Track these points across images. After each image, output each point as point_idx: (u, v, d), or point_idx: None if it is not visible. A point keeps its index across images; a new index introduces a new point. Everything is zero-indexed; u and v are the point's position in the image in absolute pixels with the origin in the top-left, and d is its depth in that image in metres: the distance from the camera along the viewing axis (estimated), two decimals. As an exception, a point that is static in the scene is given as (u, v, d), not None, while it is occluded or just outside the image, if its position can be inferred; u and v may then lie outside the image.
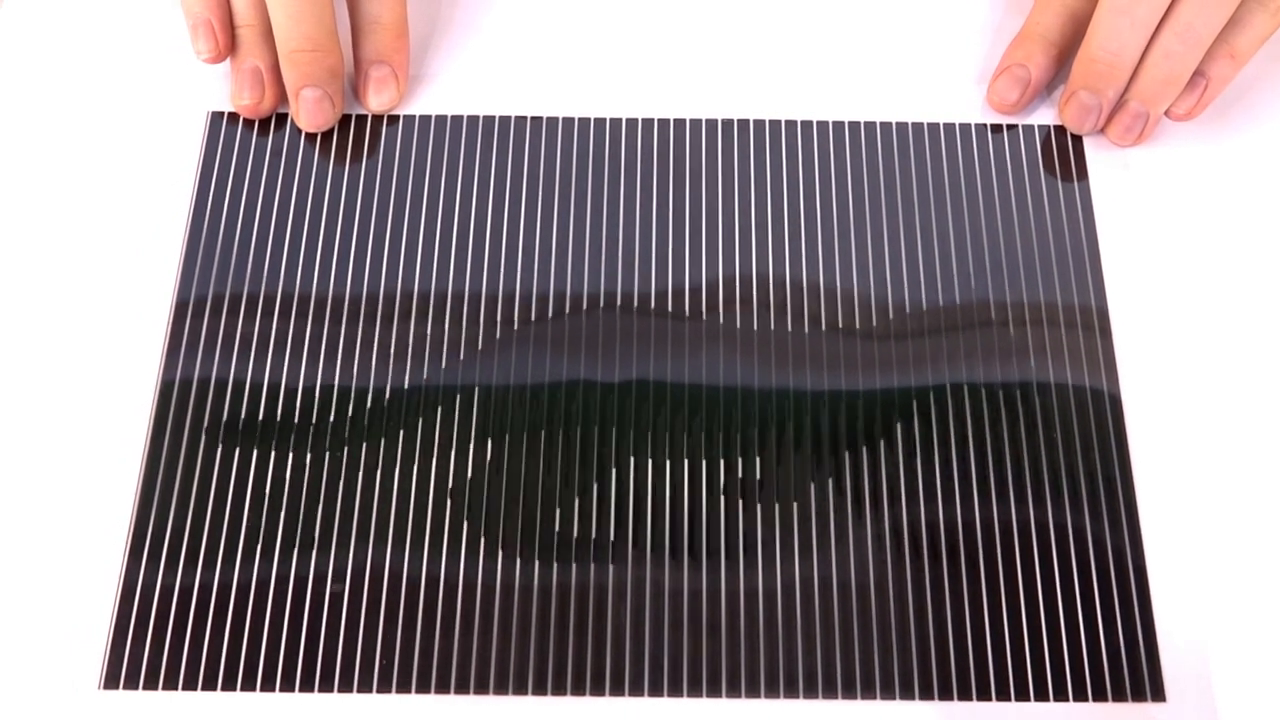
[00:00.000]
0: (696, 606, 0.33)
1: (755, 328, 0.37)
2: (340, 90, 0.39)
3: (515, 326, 0.37)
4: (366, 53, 0.39)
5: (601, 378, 0.36)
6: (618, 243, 0.38)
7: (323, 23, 0.37)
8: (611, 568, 0.33)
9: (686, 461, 0.35)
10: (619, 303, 0.37)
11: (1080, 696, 0.32)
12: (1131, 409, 0.36)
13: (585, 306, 0.37)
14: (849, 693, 0.32)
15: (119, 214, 0.38)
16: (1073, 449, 0.35)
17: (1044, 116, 0.41)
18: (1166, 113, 0.39)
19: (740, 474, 0.35)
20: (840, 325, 0.37)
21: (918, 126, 0.40)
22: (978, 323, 0.37)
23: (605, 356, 0.36)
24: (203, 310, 0.37)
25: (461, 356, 0.36)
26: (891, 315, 0.37)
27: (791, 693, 0.32)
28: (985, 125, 0.40)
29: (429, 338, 0.36)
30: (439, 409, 0.35)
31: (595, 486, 0.34)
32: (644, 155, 0.39)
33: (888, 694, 0.32)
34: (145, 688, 0.32)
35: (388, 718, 0.32)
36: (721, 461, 0.35)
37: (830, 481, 0.34)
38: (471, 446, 0.35)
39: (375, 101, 0.39)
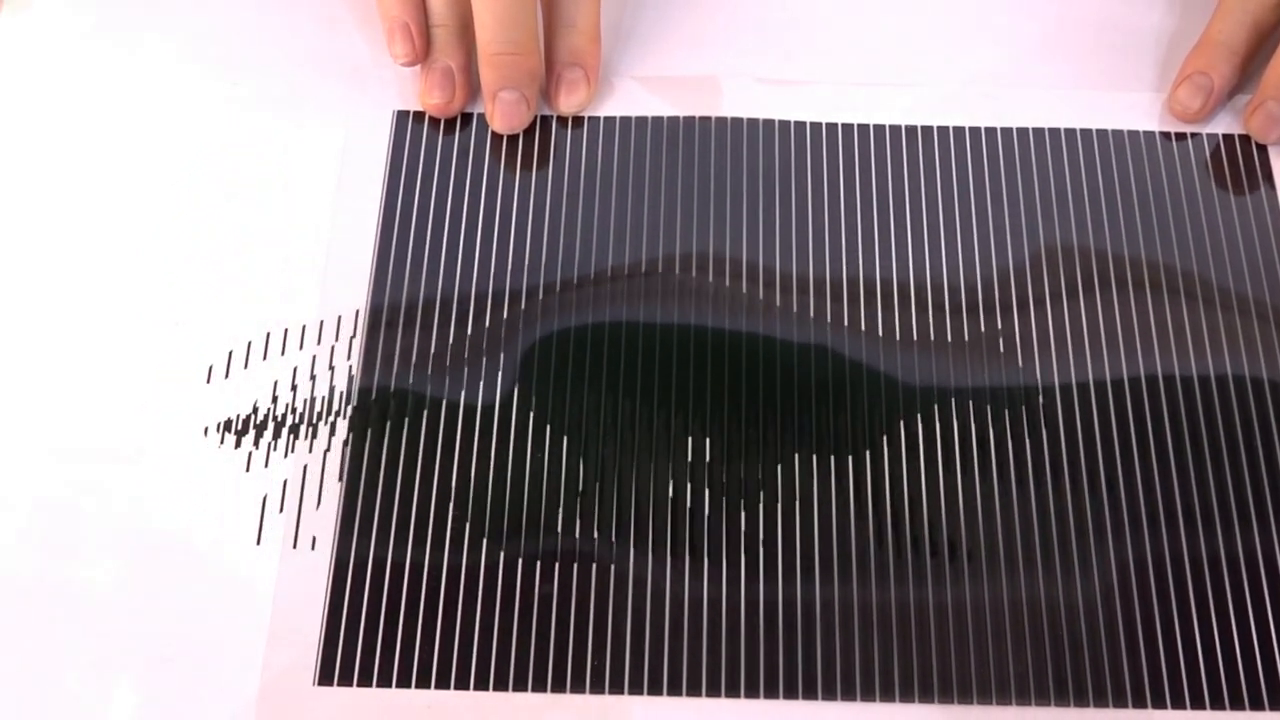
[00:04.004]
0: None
1: (945, 328, 0.37)
2: (536, 93, 0.39)
3: (709, 320, 0.37)
4: (561, 54, 0.39)
5: (798, 379, 0.36)
6: (807, 242, 0.38)
7: (527, 25, 0.37)
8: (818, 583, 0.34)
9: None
10: (812, 294, 0.37)
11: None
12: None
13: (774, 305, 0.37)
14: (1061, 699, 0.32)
15: (309, 214, 0.39)
16: (1272, 449, 0.35)
17: (1221, 124, 0.41)
18: (1355, 123, 0.39)
19: (959, 475, 0.35)
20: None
21: (1101, 133, 0.40)
22: (1170, 321, 0.37)
23: (800, 351, 0.36)
24: (397, 311, 0.37)
25: (657, 351, 0.36)
26: (1077, 321, 0.37)
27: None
28: (1169, 134, 0.40)
29: (624, 330, 0.36)
30: (636, 409, 0.35)
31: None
32: (814, 157, 0.40)
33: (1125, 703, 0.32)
34: (359, 685, 0.32)
35: (600, 718, 0.32)
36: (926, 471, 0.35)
37: (1055, 479, 0.35)
38: (671, 446, 0.35)
39: (566, 103, 0.40)
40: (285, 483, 0.35)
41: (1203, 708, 0.32)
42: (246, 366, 0.36)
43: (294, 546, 0.34)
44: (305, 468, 0.35)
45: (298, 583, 0.33)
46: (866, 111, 0.41)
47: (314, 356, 0.36)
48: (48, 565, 0.34)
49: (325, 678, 0.32)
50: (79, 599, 0.33)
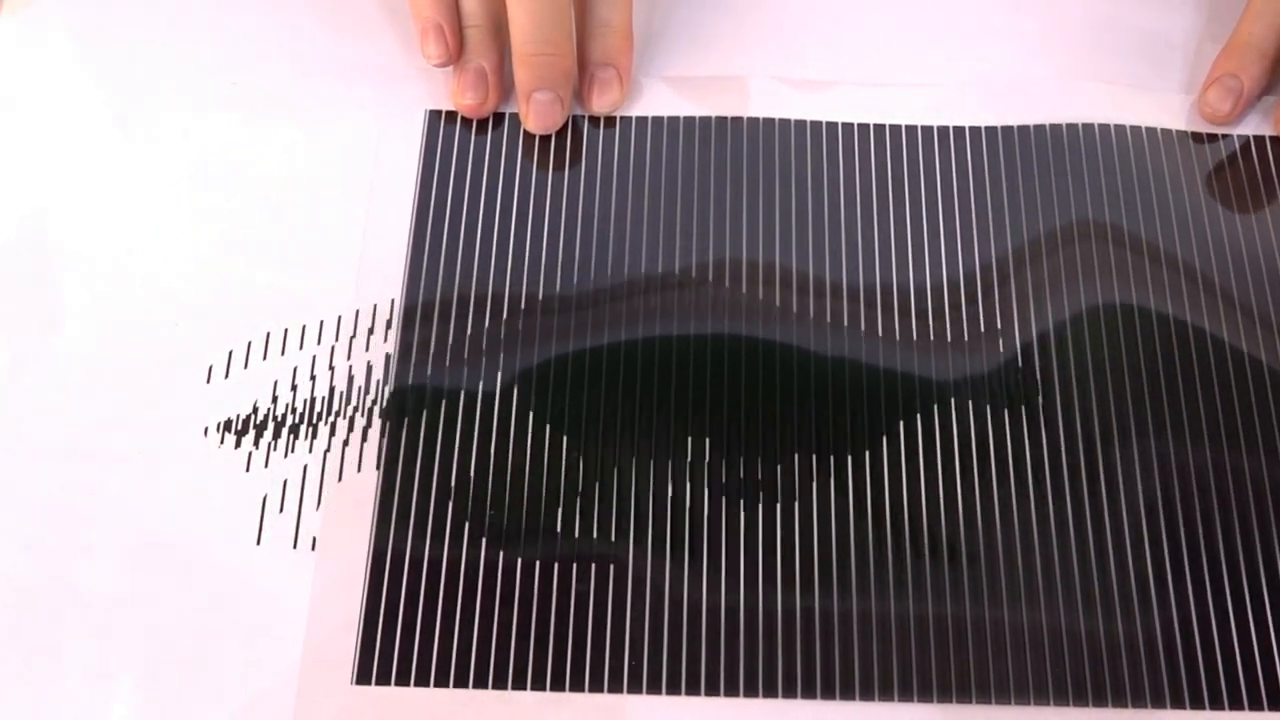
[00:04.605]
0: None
1: (1000, 327, 0.37)
2: (570, 93, 0.40)
3: (743, 326, 0.37)
4: (594, 55, 0.40)
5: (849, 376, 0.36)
6: (840, 245, 0.38)
7: (562, 26, 0.38)
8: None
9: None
10: (849, 296, 0.37)
11: None
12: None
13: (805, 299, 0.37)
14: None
15: (342, 213, 0.39)
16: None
17: (1249, 125, 0.41)
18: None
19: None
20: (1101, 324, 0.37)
21: (1136, 130, 0.40)
22: (1184, 324, 0.37)
23: (835, 346, 0.36)
24: (431, 308, 0.37)
25: (691, 355, 0.36)
26: (1107, 320, 0.37)
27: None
28: (1197, 134, 0.40)
29: (658, 334, 0.37)
30: (643, 410, 0.36)
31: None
32: (845, 158, 0.40)
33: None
34: (397, 684, 0.32)
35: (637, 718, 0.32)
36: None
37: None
38: (708, 441, 0.35)
39: (599, 103, 0.40)
40: (285, 483, 0.35)
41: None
42: (246, 366, 0.36)
43: (294, 547, 0.34)
44: (305, 468, 0.35)
45: (332, 581, 0.33)
46: (891, 111, 0.41)
47: (314, 356, 0.37)
48: (48, 565, 0.34)
49: (363, 676, 0.32)
50: (79, 599, 0.33)
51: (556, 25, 0.38)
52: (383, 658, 0.32)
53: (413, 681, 0.32)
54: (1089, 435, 0.35)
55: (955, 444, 0.35)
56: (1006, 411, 0.36)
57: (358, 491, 0.35)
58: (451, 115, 0.40)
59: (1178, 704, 0.32)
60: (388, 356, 0.36)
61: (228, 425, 0.35)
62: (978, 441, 0.35)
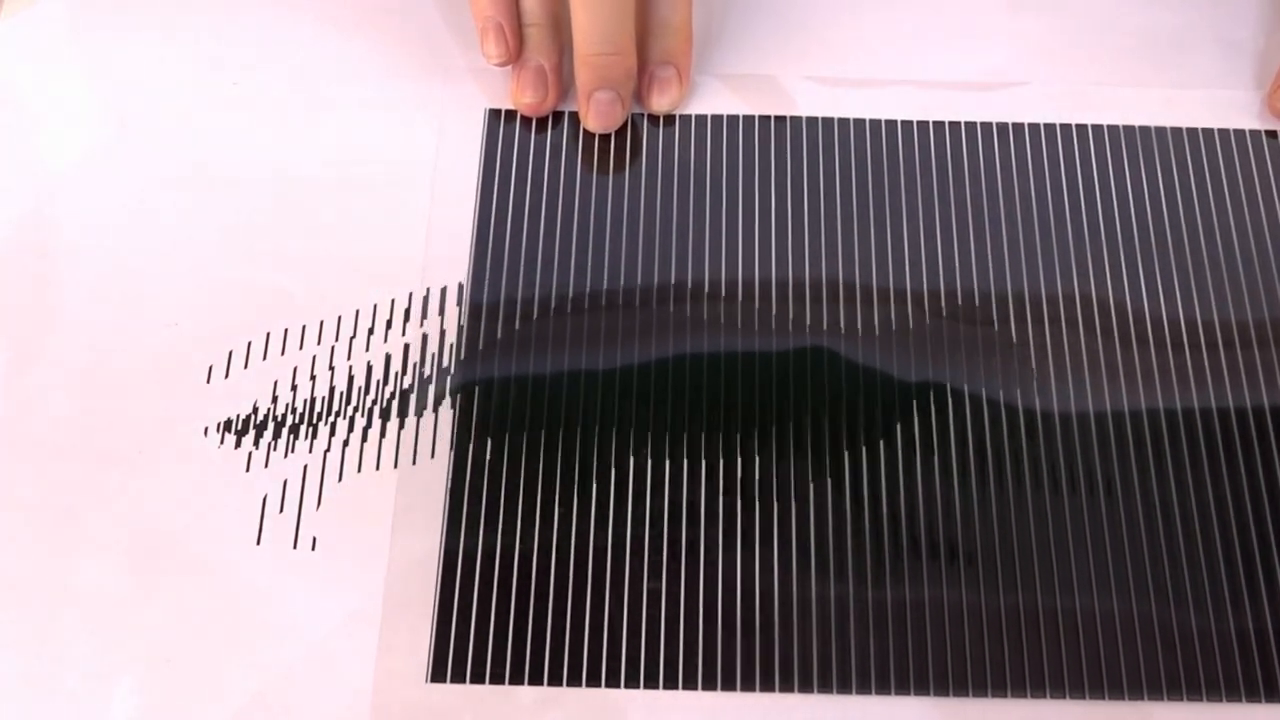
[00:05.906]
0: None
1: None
2: (631, 92, 0.40)
3: (808, 334, 0.37)
4: (654, 54, 0.40)
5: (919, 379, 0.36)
6: (886, 241, 0.38)
7: (625, 26, 0.38)
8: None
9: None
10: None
11: None
12: None
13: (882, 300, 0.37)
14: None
15: (402, 213, 0.39)
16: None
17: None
18: None
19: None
20: (1117, 334, 0.37)
21: (1192, 132, 0.40)
22: (1273, 339, 0.37)
23: (903, 356, 0.37)
24: (495, 307, 0.37)
25: (756, 360, 0.36)
26: (1172, 325, 0.37)
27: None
28: (1260, 131, 0.40)
29: (722, 324, 0.37)
30: (729, 399, 0.36)
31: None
32: (906, 156, 0.40)
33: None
34: (472, 681, 0.33)
35: (703, 715, 0.32)
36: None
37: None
38: (754, 442, 0.35)
39: (658, 102, 0.40)
40: (285, 483, 0.35)
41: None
42: (247, 366, 0.36)
43: (294, 547, 0.34)
44: (305, 468, 0.35)
45: (406, 579, 0.34)
46: (948, 109, 0.41)
47: (313, 356, 0.37)
48: (48, 565, 0.34)
49: (438, 674, 0.33)
50: (79, 599, 0.33)
51: (618, 25, 0.38)
52: (457, 655, 0.33)
53: (488, 679, 0.32)
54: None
55: (953, 443, 0.35)
56: (1005, 411, 0.36)
57: (424, 482, 0.35)
58: (511, 114, 0.40)
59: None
60: (454, 346, 0.37)
61: (228, 425, 0.36)
62: (975, 442, 0.35)
